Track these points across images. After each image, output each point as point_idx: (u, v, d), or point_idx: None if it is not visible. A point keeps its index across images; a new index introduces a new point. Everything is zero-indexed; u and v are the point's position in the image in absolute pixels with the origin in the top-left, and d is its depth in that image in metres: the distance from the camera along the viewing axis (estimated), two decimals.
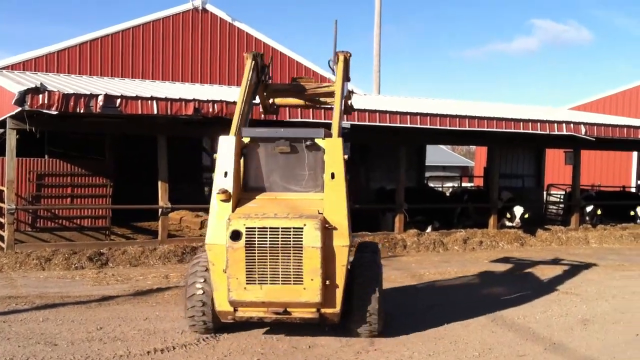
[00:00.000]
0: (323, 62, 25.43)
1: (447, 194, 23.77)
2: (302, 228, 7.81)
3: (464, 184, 33.75)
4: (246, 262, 7.80)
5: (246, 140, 8.53)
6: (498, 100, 33.99)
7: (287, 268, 7.84)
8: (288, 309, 7.99)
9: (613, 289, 12.49)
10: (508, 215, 19.89)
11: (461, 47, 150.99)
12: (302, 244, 7.80)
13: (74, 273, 13.10)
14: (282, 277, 7.86)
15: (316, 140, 8.47)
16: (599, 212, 22.30)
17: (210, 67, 23.06)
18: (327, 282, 7.90)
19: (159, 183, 15.91)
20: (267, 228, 7.81)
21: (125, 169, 20.77)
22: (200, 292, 8.34)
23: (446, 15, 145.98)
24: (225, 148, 8.30)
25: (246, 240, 7.76)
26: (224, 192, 8.09)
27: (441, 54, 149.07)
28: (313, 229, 7.81)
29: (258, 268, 7.82)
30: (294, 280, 7.87)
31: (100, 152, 17.11)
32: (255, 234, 7.78)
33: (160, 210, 15.85)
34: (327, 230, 7.95)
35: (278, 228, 7.81)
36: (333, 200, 8.18)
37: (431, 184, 30.12)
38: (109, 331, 8.70)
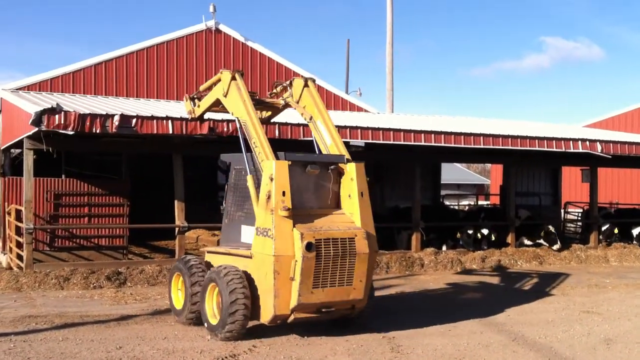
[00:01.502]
0: (335, 80, 25.50)
1: (463, 212, 23.56)
2: (354, 238, 9.36)
3: (480, 202, 33.59)
4: (315, 269, 9.03)
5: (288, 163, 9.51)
6: (508, 118, 34.10)
7: (343, 272, 9.29)
8: (333, 307, 9.36)
9: (635, 308, 12.33)
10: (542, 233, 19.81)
11: (471, 65, 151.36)
12: (355, 251, 9.33)
13: (92, 292, 13.11)
14: (338, 280, 9.26)
15: (344, 165, 9.96)
16: (616, 230, 22.06)
17: None
18: (365, 281, 9.51)
19: (175, 202, 15.94)
20: (330, 239, 9.16)
21: (142, 188, 20.82)
22: (245, 300, 9.08)
23: (455, 33, 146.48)
24: (281, 171, 9.25)
25: (317, 251, 8.96)
26: (288, 209, 9.09)
27: (451, 72, 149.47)
28: (362, 238, 9.45)
29: (323, 274, 9.12)
30: (346, 282, 9.35)
31: (117, 172, 17.19)
32: (322, 245, 9.07)
33: (177, 229, 15.86)
34: (367, 239, 9.47)
35: (338, 239, 9.23)
36: (365, 215, 9.76)
37: (447, 202, 29.98)
38: (128, 350, 8.66)
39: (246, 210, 10.02)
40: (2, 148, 18.69)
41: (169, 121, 14.65)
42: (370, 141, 16.85)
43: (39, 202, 15.28)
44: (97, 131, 13.85)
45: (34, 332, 9.59)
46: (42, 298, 12.46)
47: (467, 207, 28.22)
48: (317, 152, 10.85)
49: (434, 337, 9.74)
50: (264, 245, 9.14)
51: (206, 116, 15.03)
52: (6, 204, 16.86)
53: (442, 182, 27.53)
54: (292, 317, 9.18)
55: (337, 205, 9.94)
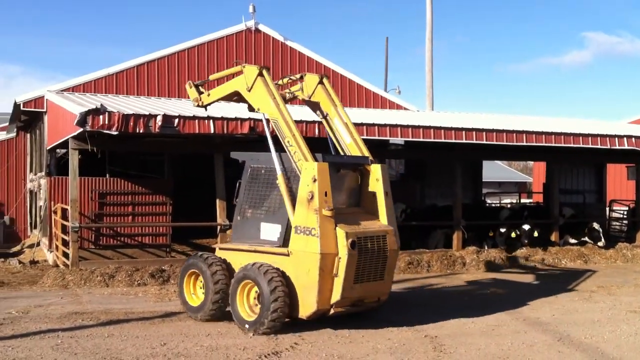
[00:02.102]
0: (373, 79, 25.38)
1: (506, 210, 23.21)
2: (386, 235, 9.96)
3: (522, 200, 33.12)
4: (356, 266, 9.50)
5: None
6: (549, 115, 33.41)
7: (377, 268, 9.89)
8: (365, 300, 9.98)
9: None
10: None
11: (511, 61, 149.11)
12: (387, 248, 9.95)
13: (136, 289, 13.33)
14: (373, 275, 9.85)
15: (369, 166, 10.41)
16: None
17: None
18: (392, 276, 10.33)
19: (217, 201, 16.10)
20: (367, 237, 9.71)
21: (184, 187, 21.07)
22: (285, 298, 9.38)
23: (494, 29, 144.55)
24: (323, 172, 9.59)
25: (358, 248, 9.46)
26: (331, 209, 9.47)
27: (490, 69, 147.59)
28: (392, 235, 10.10)
29: (362, 270, 9.63)
30: (379, 277, 9.97)
31: (160, 171, 17.43)
32: (362, 242, 9.58)
33: (218, 227, 16.02)
34: (395, 236, 10.13)
35: (374, 236, 9.79)
36: (390, 214, 10.31)
37: (488, 201, 29.65)
38: (172, 347, 8.77)
39: (266, 208, 10.31)
40: (48, 148, 19.09)
41: (211, 121, 14.79)
42: (410, 139, 16.76)
43: (84, 201, 15.59)
44: (141, 131, 14.06)
45: (80, 329, 9.78)
46: (88, 295, 12.72)
47: (509, 205, 27.84)
48: (333, 151, 11.06)
49: (476, 337, 9.64)
50: (306, 243, 9.41)
51: (246, 115, 15.18)
52: (52, 203, 17.24)
53: (483, 180, 27.25)
54: (332, 312, 9.57)
55: (358, 204, 10.41)
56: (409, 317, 10.77)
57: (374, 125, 16.34)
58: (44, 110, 20.21)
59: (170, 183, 17.09)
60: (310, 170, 9.57)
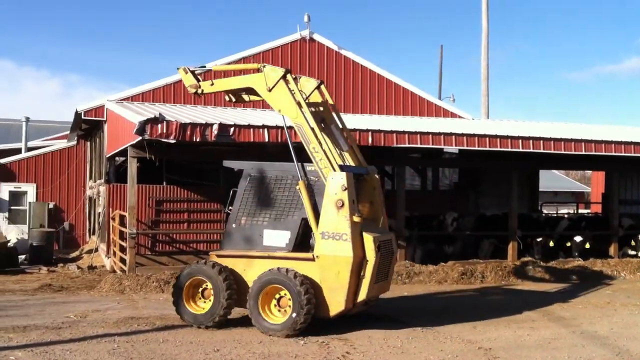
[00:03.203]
0: (427, 87, 25.20)
1: (565, 220, 22.69)
2: (391, 240, 10.87)
3: (580, 211, 32.37)
4: (378, 267, 10.18)
5: None
6: (608, 123, 32.50)
7: (387, 269, 10.75)
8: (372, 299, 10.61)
9: None
10: (633, 243, 18.88)
11: (567, 69, 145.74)
12: (393, 250, 10.93)
13: None
14: (383, 276, 10.66)
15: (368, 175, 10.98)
16: None
17: None
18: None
19: None
20: (385, 241, 10.48)
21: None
22: (314, 300, 9.85)
23: (551, 37, 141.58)
24: (351, 181, 10.12)
25: (381, 251, 10.16)
26: (360, 216, 10.06)
27: (547, 77, 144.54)
28: (394, 239, 11.12)
29: (379, 271, 10.30)
30: (386, 277, 10.85)
31: (215, 179, 17.68)
32: (381, 246, 10.25)
33: None
34: (396, 241, 11.21)
35: (386, 240, 10.57)
36: (386, 220, 11.13)
37: (545, 211, 29.06)
38: (225, 353, 8.87)
39: (271, 215, 10.62)
40: (107, 156, 19.60)
41: (265, 129, 14.95)
42: (464, 148, 16.59)
43: (141, 208, 15.94)
44: (197, 140, 14.31)
45: (136, 334, 9.98)
46: (144, 300, 12.97)
47: (566, 216, 27.22)
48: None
49: (532, 350, 9.44)
50: (336, 248, 9.94)
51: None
52: (111, 209, 17.68)
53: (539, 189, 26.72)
54: (354, 310, 10.36)
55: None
56: (461, 329, 10.64)
57: (428, 133, 16.25)
58: (104, 119, 20.76)
59: (225, 191, 17.29)
60: (339, 179, 10.02)
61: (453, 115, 25.05)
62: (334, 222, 9.94)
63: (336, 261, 9.90)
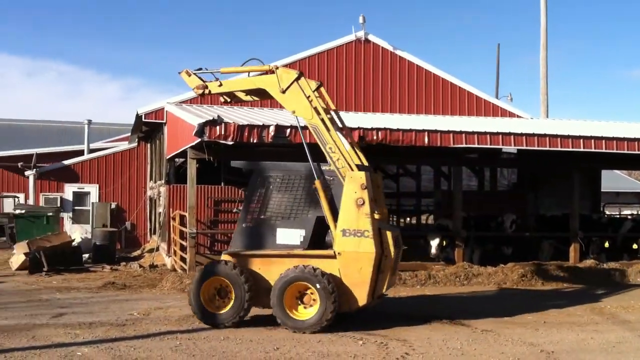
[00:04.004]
0: (484, 86, 24.86)
1: (629, 222, 22.05)
2: (400, 234, 11.29)
3: None
4: (395, 261, 10.73)
5: None
6: None
7: (398, 263, 11.17)
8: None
9: None
10: None
11: (630, 66, 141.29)
12: (401, 245, 11.20)
13: None
14: (395, 270, 11.15)
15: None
16: None
17: (372, 95, 23.39)
18: None
19: None
20: (397, 236, 10.96)
21: None
22: (337, 296, 10.12)
23: (611, 34, 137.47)
24: (369, 180, 10.51)
25: (396, 247, 10.73)
26: (380, 213, 10.58)
27: (608, 74, 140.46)
28: (400, 234, 11.40)
29: (395, 264, 10.87)
30: (396, 271, 11.34)
31: None
32: (397, 242, 10.84)
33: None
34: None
35: (399, 235, 11.11)
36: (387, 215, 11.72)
37: (607, 212, 28.33)
38: (285, 352, 8.96)
39: (284, 214, 10.81)
40: (167, 157, 20.01)
41: None
42: (523, 147, 16.32)
43: (200, 208, 16.23)
44: (254, 141, 14.48)
45: (197, 331, 10.17)
46: None
47: (629, 217, 26.47)
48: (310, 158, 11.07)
49: (596, 353, 9.23)
50: (358, 244, 10.26)
51: (356, 125, 15.34)
52: (171, 209, 18.04)
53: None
54: (373, 304, 10.78)
55: None
56: (523, 331, 10.49)
57: (485, 133, 16.04)
58: (164, 121, 21.21)
59: None
60: (359, 179, 10.38)
61: (511, 114, 24.67)
62: (355, 220, 10.26)
63: (359, 257, 10.22)
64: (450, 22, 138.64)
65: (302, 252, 10.58)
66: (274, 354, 8.84)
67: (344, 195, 10.39)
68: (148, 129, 23.90)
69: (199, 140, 14.30)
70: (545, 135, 16.47)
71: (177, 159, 20.18)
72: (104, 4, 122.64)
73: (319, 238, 10.87)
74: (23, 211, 23.08)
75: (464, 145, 15.91)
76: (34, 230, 21.74)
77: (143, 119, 21.64)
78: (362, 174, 10.43)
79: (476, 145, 16.00)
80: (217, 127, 14.18)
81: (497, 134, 16.11)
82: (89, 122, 31.95)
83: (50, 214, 22.81)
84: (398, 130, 15.40)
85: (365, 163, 10.92)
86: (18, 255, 18.46)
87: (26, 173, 27.74)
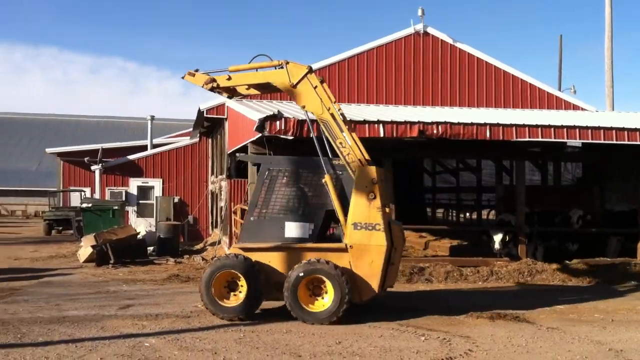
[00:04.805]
0: (546, 78, 24.28)
1: None
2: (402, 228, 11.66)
3: None
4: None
5: None
6: None
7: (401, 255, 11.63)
8: None
9: None
10: None
11: None
12: (404, 239, 11.78)
13: None
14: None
15: None
16: None
17: (432, 88, 23.18)
18: None
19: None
20: (402, 230, 11.47)
21: None
22: (350, 287, 10.34)
23: None
24: (380, 174, 10.76)
25: (404, 239, 11.57)
26: (390, 207, 11.05)
27: None
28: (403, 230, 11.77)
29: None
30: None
31: None
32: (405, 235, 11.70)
33: None
34: None
35: (403, 229, 11.56)
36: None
37: None
38: (347, 346, 9.00)
39: (292, 208, 10.93)
40: (228, 152, 20.29)
41: (380, 125, 14.95)
42: (589, 141, 15.89)
43: None
44: (314, 136, 14.50)
45: (261, 324, 10.30)
46: None
47: None
48: (330, 152, 11.14)
49: None
50: (370, 237, 10.51)
51: (416, 119, 15.22)
52: (232, 203, 18.30)
53: None
54: (383, 295, 11.14)
55: None
56: (589, 329, 10.27)
57: (549, 126, 15.68)
58: (225, 116, 21.51)
59: None
60: (370, 173, 10.64)
61: (575, 107, 24.07)
62: (366, 213, 10.52)
63: (370, 250, 10.49)
64: (510, 13, 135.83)
65: (313, 245, 10.77)
66: (336, 348, 8.89)
67: (355, 189, 10.64)
68: (209, 124, 24.28)
69: (260, 135, 14.41)
70: (611, 129, 15.99)
71: (237, 154, 20.42)
72: (165, 2, 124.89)
73: (323, 231, 11.20)
74: (90, 205, 23.76)
75: (527, 139, 15.58)
76: (101, 223, 22.38)
77: (205, 115, 22.00)
78: (373, 168, 10.68)
79: (540, 139, 15.66)
80: (278, 122, 14.25)
81: (562, 127, 15.73)
82: (152, 117, 32.72)
83: (116, 207, 23.43)
84: (459, 124, 15.21)
85: (368, 158, 10.99)
86: (85, 248, 19.02)
87: (92, 168, 28.60)
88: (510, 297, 13.45)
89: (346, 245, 10.61)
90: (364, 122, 14.93)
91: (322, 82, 11.29)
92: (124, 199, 27.15)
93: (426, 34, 23.29)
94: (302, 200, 11.03)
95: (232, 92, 12.12)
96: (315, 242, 10.83)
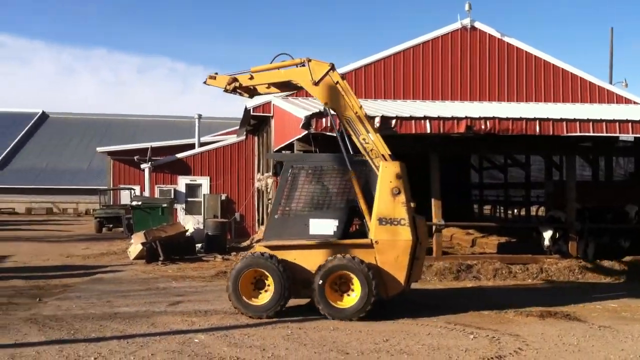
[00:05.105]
0: (596, 71, 23.69)
1: None
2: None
3: None
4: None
5: None
6: None
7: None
8: None
9: None
10: None
11: None
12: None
13: None
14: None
15: None
16: None
17: (480, 83, 22.87)
18: None
19: (432, 201, 16.11)
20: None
21: None
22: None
23: None
24: (403, 170, 10.84)
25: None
26: (414, 202, 10.88)
27: None
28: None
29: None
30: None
31: None
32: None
33: (434, 227, 16.03)
34: None
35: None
36: None
37: None
38: (395, 344, 8.97)
39: (316, 205, 10.99)
40: (274, 150, 20.41)
41: (427, 121, 14.84)
42: None
43: None
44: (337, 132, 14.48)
45: (307, 321, 10.34)
46: None
47: None
48: (351, 148, 11.12)
49: None
50: (395, 232, 10.57)
51: (463, 115, 15.06)
52: None
53: None
54: (408, 290, 11.03)
55: None
56: None
57: (601, 121, 15.32)
58: (271, 114, 21.64)
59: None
60: (393, 168, 10.73)
61: (627, 101, 23.44)
62: (391, 209, 10.60)
63: (396, 245, 10.55)
64: (559, 6, 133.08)
65: (339, 241, 10.80)
66: (383, 346, 8.87)
67: (379, 184, 10.70)
68: (256, 122, 24.46)
69: (306, 132, 14.46)
70: None
71: (284, 151, 20.54)
72: (211, 2, 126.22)
73: (347, 228, 11.19)
74: (139, 203, 24.16)
75: (577, 134, 15.27)
76: (150, 221, 22.74)
77: (251, 113, 22.16)
78: (397, 163, 10.79)
79: (591, 134, 15.32)
80: (324, 119, 14.28)
81: (613, 121, 15.36)
82: (199, 116, 33.09)
83: (165, 205, 23.78)
84: (507, 119, 14.98)
85: (389, 153, 11.01)
86: (135, 245, 19.36)
87: (142, 166, 29.11)
88: (560, 295, 13.19)
89: (372, 240, 10.66)
90: (410, 118, 14.83)
91: (342, 78, 11.39)
92: (172, 196, 27.55)
93: (473, 28, 22.97)
94: (326, 197, 11.09)
95: (252, 92, 12.17)
96: (340, 238, 10.87)
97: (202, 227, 23.45)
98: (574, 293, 13.54)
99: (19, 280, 14.98)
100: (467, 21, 22.82)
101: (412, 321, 10.39)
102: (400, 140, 15.76)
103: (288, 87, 12.17)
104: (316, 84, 11.22)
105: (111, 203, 33.36)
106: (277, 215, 11.22)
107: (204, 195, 27.59)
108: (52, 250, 22.33)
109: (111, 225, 31.32)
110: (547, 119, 15.17)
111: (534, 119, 15.13)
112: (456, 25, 22.83)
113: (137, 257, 19.00)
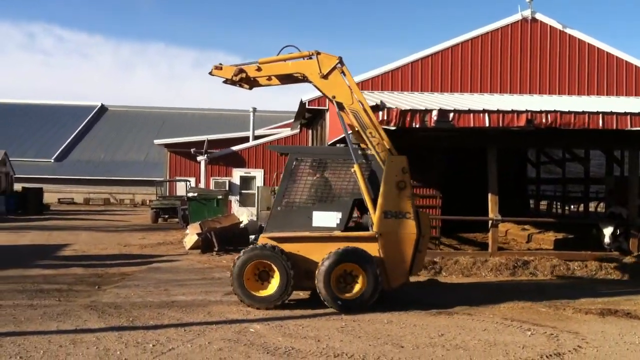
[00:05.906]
0: None
1: None
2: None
3: None
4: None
5: None
6: None
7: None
8: None
9: None
10: None
11: None
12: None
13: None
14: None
15: None
16: None
17: (540, 76, 22.38)
18: None
19: (489, 195, 15.88)
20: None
21: (454, 181, 21.11)
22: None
23: None
24: (408, 164, 10.83)
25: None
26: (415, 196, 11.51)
27: None
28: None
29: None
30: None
31: (429, 165, 17.67)
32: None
33: (490, 222, 15.79)
34: None
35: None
36: None
37: None
38: (450, 338, 8.86)
39: (320, 197, 10.96)
40: (329, 143, 20.39)
41: (486, 114, 14.60)
42: None
43: None
44: (416, 126, 14.35)
45: (362, 313, 10.27)
46: None
47: None
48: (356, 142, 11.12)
49: None
50: (399, 225, 10.65)
51: (523, 108, 14.75)
52: None
53: None
54: (409, 282, 11.17)
55: None
56: None
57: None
58: (326, 108, 21.63)
59: (439, 177, 17.25)
60: (400, 163, 10.77)
61: None
62: (397, 202, 10.65)
63: (401, 238, 10.64)
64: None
65: (343, 234, 10.80)
66: (438, 340, 8.78)
67: (385, 178, 10.71)
68: (310, 115, 24.51)
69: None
70: None
71: (339, 145, 20.52)
72: None
73: (348, 221, 11.17)
74: (195, 194, 24.52)
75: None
76: (205, 212, 23.07)
77: (307, 106, 22.21)
78: (403, 157, 10.81)
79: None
80: (380, 113, 14.20)
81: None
82: (254, 110, 33.37)
83: (220, 197, 24.09)
84: (569, 112, 14.62)
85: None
86: (191, 236, 19.66)
87: (198, 158, 29.56)
88: (621, 292, 12.82)
89: (376, 233, 10.65)
90: (469, 111, 14.63)
91: (341, 59, 11.35)
92: (227, 188, 27.88)
93: (534, 20, 22.49)
94: (330, 189, 11.07)
95: (252, 84, 11.95)
96: (343, 231, 10.85)
97: (255, 219, 23.67)
98: (635, 291, 13.13)
99: (78, 268, 15.38)
100: (527, 12, 22.36)
101: (468, 316, 10.25)
102: (458, 133, 15.61)
103: (291, 80, 12.01)
104: (324, 76, 11.22)
105: (167, 194, 33.96)
106: (280, 207, 11.22)
107: (258, 187, 27.82)
108: (109, 239, 22.87)
109: (167, 216, 31.88)
110: (611, 113, 14.75)
111: (597, 113, 14.74)
112: (516, 17, 22.40)
113: (193, 247, 19.28)
